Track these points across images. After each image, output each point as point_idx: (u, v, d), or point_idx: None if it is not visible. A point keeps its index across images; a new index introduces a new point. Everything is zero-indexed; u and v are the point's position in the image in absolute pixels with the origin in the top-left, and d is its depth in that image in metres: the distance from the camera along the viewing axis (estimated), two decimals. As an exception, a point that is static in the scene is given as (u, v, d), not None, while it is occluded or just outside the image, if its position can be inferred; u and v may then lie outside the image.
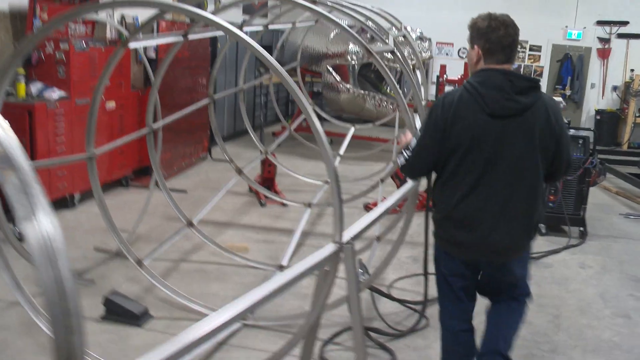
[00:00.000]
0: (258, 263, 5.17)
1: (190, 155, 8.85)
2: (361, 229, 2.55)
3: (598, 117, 13.44)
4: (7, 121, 1.10)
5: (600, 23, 13.43)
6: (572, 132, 6.45)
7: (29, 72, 6.22)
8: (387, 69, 3.28)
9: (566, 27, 13.45)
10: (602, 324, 4.50)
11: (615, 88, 13.70)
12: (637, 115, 13.15)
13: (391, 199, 3.22)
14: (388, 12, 6.93)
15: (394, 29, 6.72)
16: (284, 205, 6.76)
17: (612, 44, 13.52)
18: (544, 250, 5.90)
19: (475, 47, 2.87)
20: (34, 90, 6.09)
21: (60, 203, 6.38)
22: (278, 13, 6.87)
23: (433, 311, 4.46)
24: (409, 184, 3.56)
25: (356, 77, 10.02)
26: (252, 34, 9.50)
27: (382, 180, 6.17)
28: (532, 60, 13.76)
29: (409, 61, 8.97)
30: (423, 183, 3.69)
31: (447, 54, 14.09)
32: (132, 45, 3.74)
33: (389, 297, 4.60)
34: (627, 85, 13.29)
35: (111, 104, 7.02)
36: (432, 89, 11.86)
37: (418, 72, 6.71)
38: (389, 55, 9.53)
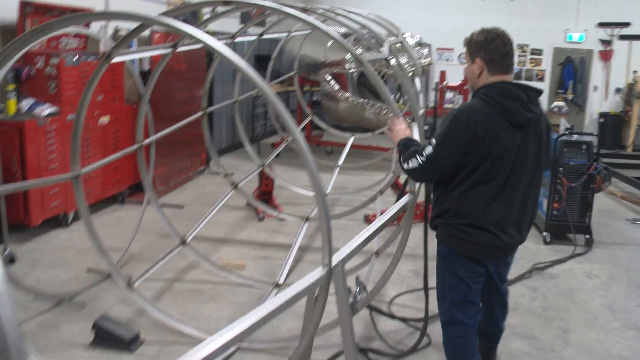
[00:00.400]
0: (254, 281, 5.02)
1: (188, 168, 8.72)
2: (352, 250, 2.41)
3: (601, 120, 13.28)
4: None
5: (601, 25, 13.29)
6: (575, 137, 6.30)
7: (19, 88, 6.11)
8: (379, 78, 3.14)
9: (567, 29, 13.30)
10: (611, 337, 4.33)
11: (618, 90, 13.54)
12: (642, 117, 13.00)
13: (386, 214, 3.09)
14: (385, 18, 6.79)
15: (391, 36, 6.60)
16: (282, 219, 6.61)
17: (614, 46, 13.37)
18: (549, 260, 5.74)
19: (477, 60, 3.06)
20: (24, 106, 5.97)
21: (54, 222, 6.24)
22: (274, 21, 6.77)
23: (435, 328, 4.31)
24: (406, 197, 3.42)
25: (355, 85, 9.90)
26: (248, 44, 9.45)
27: (381, 192, 6.02)
28: (534, 64, 13.60)
29: (408, 68, 8.86)
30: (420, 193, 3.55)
31: (447, 60, 13.95)
32: (117, 59, 3.61)
33: (388, 315, 4.44)
34: (630, 87, 13.13)
35: (104, 119, 6.90)
36: (433, 96, 11.74)
37: (417, 80, 6.59)
38: (393, 63, 9.46)
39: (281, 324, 4.25)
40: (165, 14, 3.52)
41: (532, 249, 6.05)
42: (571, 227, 6.13)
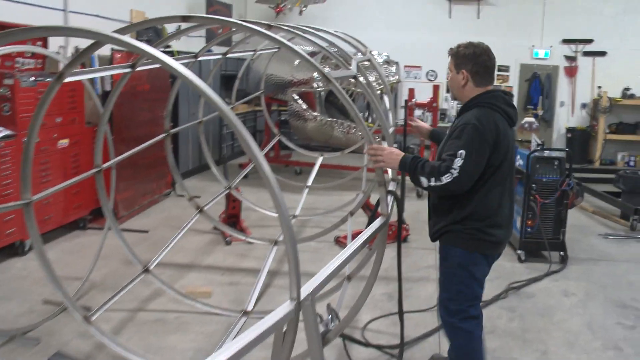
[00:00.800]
0: (221, 309, 4.79)
1: (153, 191, 8.45)
2: (321, 280, 2.23)
3: (569, 135, 13.38)
4: None
5: (565, 41, 13.43)
6: (546, 153, 6.23)
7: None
8: (346, 96, 2.99)
9: (533, 46, 13.42)
10: (592, 358, 4.20)
11: (584, 105, 13.67)
12: (607, 132, 13.11)
13: (357, 240, 2.91)
14: (353, 36, 6.67)
15: (359, 53, 6.48)
16: (249, 242, 6.39)
17: (578, 62, 13.52)
18: (524, 279, 5.63)
19: (463, 71, 3.29)
20: (-24, 130, 5.70)
21: (9, 250, 5.93)
22: (239, 40, 6.60)
23: (410, 355, 4.15)
24: (378, 220, 3.26)
25: (323, 104, 9.76)
26: (215, 63, 9.26)
27: (352, 213, 5.85)
28: (501, 81, 13.66)
29: (377, 86, 8.76)
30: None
31: (415, 77, 13.93)
32: (70, 78, 3.39)
33: (362, 343, 4.25)
34: (596, 102, 13.27)
35: (64, 142, 6.63)
36: (402, 114, 11.66)
37: (386, 97, 6.47)
38: (362, 80, 9.34)
39: (249, 356, 4.02)
40: (121, 30, 3.32)
41: (507, 268, 5.93)
42: (546, 244, 6.03)
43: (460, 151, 3.05)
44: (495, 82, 13.65)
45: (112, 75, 7.17)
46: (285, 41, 3.09)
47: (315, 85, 9.52)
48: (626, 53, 13.08)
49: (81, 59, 3.18)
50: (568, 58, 13.53)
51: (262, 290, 5.13)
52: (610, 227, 7.75)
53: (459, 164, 3.03)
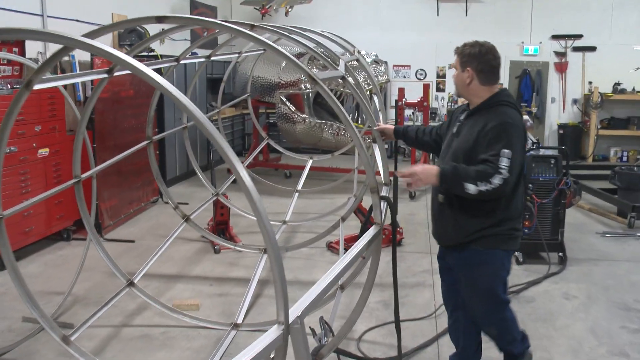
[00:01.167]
0: (210, 322, 4.59)
1: (140, 199, 8.23)
2: (312, 301, 2.03)
3: (561, 132, 13.25)
4: None
5: (555, 37, 13.31)
6: (542, 151, 6.07)
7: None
8: (334, 97, 2.80)
9: (522, 42, 13.27)
10: (598, 365, 4.04)
11: (575, 101, 13.55)
12: (599, 127, 13.00)
13: (349, 253, 2.72)
14: (340, 36, 6.49)
15: (347, 53, 6.29)
16: (239, 250, 6.18)
17: (568, 58, 13.39)
18: (524, 282, 5.45)
19: (468, 69, 3.30)
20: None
21: (-12, 265, 5.71)
22: (224, 42, 6.39)
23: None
24: (372, 229, 3.06)
25: (311, 106, 9.57)
26: (199, 66, 9.02)
27: (343, 219, 5.66)
28: (491, 78, 13.51)
29: (366, 86, 8.58)
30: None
31: (404, 77, 13.78)
32: (39, 86, 3.18)
33: (358, 357, 4.05)
34: (587, 97, 13.15)
35: (44, 151, 6.40)
36: (392, 113, 11.49)
37: (375, 98, 6.28)
38: (351, 81, 9.15)
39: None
40: (92, 34, 3.11)
41: (504, 270, 5.75)
42: (544, 245, 5.86)
43: (505, 150, 3.04)
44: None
45: (93, 82, 6.95)
46: (269, 42, 2.90)
47: (303, 87, 9.32)
48: (616, 48, 12.97)
49: (49, 65, 2.97)
50: (558, 54, 13.41)
51: (252, 300, 4.94)
52: (608, 225, 7.60)
53: (506, 164, 3.02)
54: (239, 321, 4.49)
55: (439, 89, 13.80)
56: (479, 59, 3.28)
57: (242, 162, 6.46)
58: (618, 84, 12.98)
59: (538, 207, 5.82)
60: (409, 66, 13.80)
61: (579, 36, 13.22)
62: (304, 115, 9.40)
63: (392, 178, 7.06)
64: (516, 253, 6.01)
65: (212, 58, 6.00)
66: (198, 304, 4.96)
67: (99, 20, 8.32)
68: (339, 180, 8.14)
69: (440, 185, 3.16)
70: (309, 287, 2.27)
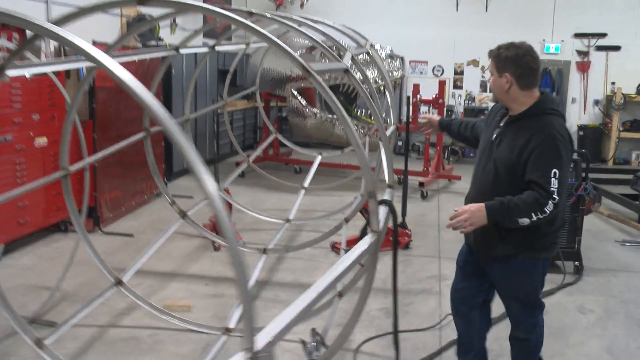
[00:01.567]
0: (200, 326, 4.35)
1: (143, 192, 8.01)
2: (285, 325, 1.77)
3: (581, 133, 12.86)
4: None
5: (577, 36, 12.89)
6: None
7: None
8: (329, 90, 2.53)
9: (543, 40, 12.87)
10: (614, 388, 3.74)
11: (596, 102, 13.13)
12: (621, 129, 12.59)
13: (342, 264, 2.46)
14: (353, 29, 6.20)
15: (355, 46, 6.01)
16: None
17: (591, 57, 12.97)
18: (536, 292, 5.15)
19: (506, 75, 3.07)
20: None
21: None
22: (227, 32, 6.15)
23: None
24: (368, 237, 2.79)
25: (323, 100, 9.30)
26: (209, 57, 8.73)
27: (347, 220, 5.39)
28: (510, 77, 13.14)
29: (380, 81, 8.29)
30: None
31: (421, 73, 13.44)
32: (14, 72, 2.95)
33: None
34: (609, 98, 12.73)
35: (42, 141, 6.19)
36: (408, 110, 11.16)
37: (388, 93, 6.00)
38: (358, 75, 8.85)
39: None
40: (63, 20, 2.80)
41: (516, 279, 5.46)
42: (559, 253, 5.54)
43: (554, 170, 2.91)
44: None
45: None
46: (258, 28, 2.64)
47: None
48: (641, 48, 12.55)
49: (21, 52, 2.73)
50: (580, 53, 12.99)
51: (248, 304, 4.69)
52: (628, 233, 7.24)
53: (556, 186, 2.90)
54: (231, 326, 4.25)
55: (456, 86, 13.45)
56: (516, 62, 3.07)
57: (249, 156, 6.23)
58: (642, 85, 12.55)
59: (554, 213, 5.50)
60: (426, 62, 13.45)
61: (603, 35, 12.78)
62: (315, 110, 9.14)
63: (400, 176, 6.79)
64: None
65: (217, 48, 5.77)
66: (190, 305, 4.73)
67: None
68: (349, 177, 7.89)
69: (489, 222, 3.02)
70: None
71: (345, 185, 7.73)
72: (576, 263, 5.68)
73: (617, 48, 12.77)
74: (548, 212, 2.90)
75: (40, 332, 4.05)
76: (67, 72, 6.72)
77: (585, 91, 13.12)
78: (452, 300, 3.61)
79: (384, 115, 9.17)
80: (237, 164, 9.95)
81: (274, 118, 11.39)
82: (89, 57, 1.70)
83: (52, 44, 7.24)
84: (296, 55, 2.62)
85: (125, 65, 4.01)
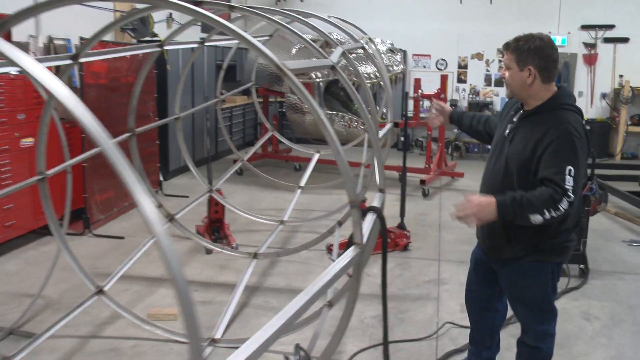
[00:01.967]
0: (185, 336, 4.14)
1: (137, 192, 7.80)
2: (258, 346, 1.56)
3: (588, 128, 12.48)
4: None
5: (584, 27, 12.62)
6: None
7: None
8: (304, 90, 2.31)
9: (549, 33, 12.54)
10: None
11: (604, 96, 12.87)
12: (629, 123, 12.32)
13: (321, 280, 2.24)
14: (353, 23, 5.99)
15: (350, 40, 5.79)
16: (232, 247, 5.74)
17: (598, 49, 12.70)
18: (539, 298, 4.92)
19: (530, 67, 2.89)
20: None
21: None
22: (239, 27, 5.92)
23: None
24: (351, 251, 2.57)
25: (322, 95, 9.07)
26: (208, 52, 8.52)
27: (340, 224, 5.17)
28: (515, 70, 12.88)
29: (376, 76, 8.05)
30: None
31: (424, 67, 13.19)
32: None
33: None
34: (617, 92, 12.45)
35: (28, 141, 6.01)
36: (410, 105, 10.93)
37: (387, 88, 5.76)
38: (371, 71, 8.60)
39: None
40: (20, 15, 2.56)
41: (519, 282, 5.23)
42: (563, 256, 5.31)
43: (569, 167, 2.73)
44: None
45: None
46: (222, 20, 2.41)
47: (313, 75, 8.83)
48: (650, 39, 12.25)
49: None
50: (587, 45, 12.72)
51: (236, 310, 4.52)
52: (636, 232, 6.99)
53: (571, 184, 2.73)
54: (218, 336, 4.06)
55: (460, 80, 13.20)
56: (540, 54, 2.88)
57: (247, 153, 5.98)
58: (651, 78, 12.26)
59: (558, 214, 5.27)
60: (429, 56, 13.21)
61: (611, 26, 12.51)
62: (313, 106, 8.91)
63: (399, 173, 6.56)
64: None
65: (214, 43, 5.55)
66: (176, 313, 4.53)
67: (97, 2, 7.90)
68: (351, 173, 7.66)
69: (499, 217, 2.81)
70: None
71: (343, 183, 7.49)
72: (581, 266, 5.44)
73: (625, 40, 12.50)
74: (562, 210, 2.72)
75: (17, 344, 3.90)
76: (57, 69, 6.53)
77: (592, 84, 12.86)
78: (465, 298, 3.55)
79: (384, 111, 8.95)
80: (236, 162, 9.76)
81: (273, 114, 11.17)
82: (10, 61, 1.49)
83: (41, 41, 7.06)
84: (270, 53, 2.39)
85: (116, 61, 3.80)
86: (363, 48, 5.11)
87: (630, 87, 12.06)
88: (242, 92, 8.79)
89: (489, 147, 3.33)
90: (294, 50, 9.00)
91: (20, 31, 6.54)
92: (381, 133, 4.03)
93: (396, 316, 4.54)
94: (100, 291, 4.19)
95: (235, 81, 11.00)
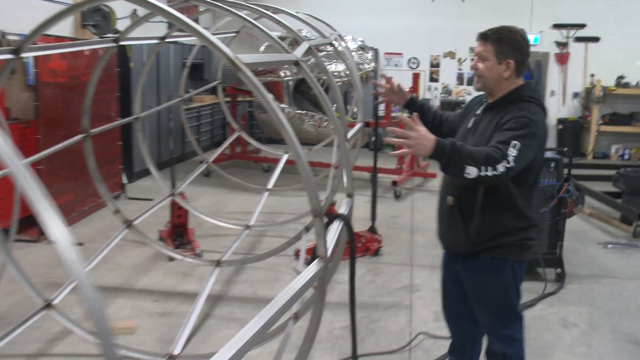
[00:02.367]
0: (141, 353, 3.87)
1: (97, 195, 7.45)
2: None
3: (560, 127, 12.55)
4: None
5: (556, 26, 12.56)
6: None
7: None
8: (261, 86, 2.07)
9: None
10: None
11: (576, 95, 12.83)
12: (601, 123, 12.30)
13: (281, 299, 2.00)
14: (323, 20, 5.75)
15: (319, 37, 5.56)
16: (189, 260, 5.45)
17: (570, 48, 12.66)
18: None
19: (510, 61, 2.83)
20: None
21: None
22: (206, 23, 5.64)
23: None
24: (315, 265, 2.33)
25: (291, 94, 8.83)
26: (175, 49, 8.23)
27: (307, 229, 4.92)
28: (487, 69, 12.78)
29: (345, 75, 7.84)
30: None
31: (396, 65, 13.01)
32: None
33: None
34: (588, 91, 12.43)
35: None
36: (380, 106, 10.72)
37: (358, 88, 5.54)
38: (341, 69, 8.37)
39: None
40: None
41: (494, 288, 5.04)
42: (540, 260, 5.14)
43: (515, 142, 2.63)
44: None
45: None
46: (176, 13, 2.16)
47: (282, 74, 8.58)
48: (621, 39, 12.22)
49: None
50: (559, 44, 12.67)
51: (198, 322, 4.24)
52: (610, 234, 6.88)
53: (514, 154, 2.61)
54: (176, 352, 3.78)
55: (432, 79, 13.05)
56: (520, 49, 2.84)
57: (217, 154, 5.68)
58: (622, 77, 12.25)
59: (534, 217, 5.10)
60: (402, 54, 13.03)
61: (582, 25, 12.47)
62: (283, 105, 8.67)
63: (370, 173, 6.32)
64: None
65: (178, 40, 5.27)
66: (134, 327, 4.24)
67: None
68: (319, 176, 7.44)
69: (432, 158, 2.61)
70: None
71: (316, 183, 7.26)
72: (558, 270, 5.28)
73: (596, 39, 12.49)
74: (499, 171, 2.58)
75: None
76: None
77: (564, 84, 12.82)
78: (442, 305, 3.40)
79: (355, 110, 8.73)
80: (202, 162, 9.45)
81: (242, 114, 10.90)
82: None
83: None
84: (224, 47, 2.14)
85: (76, 59, 3.49)
86: (331, 44, 4.88)
87: (602, 86, 12.04)
88: (209, 91, 8.49)
89: None
90: (262, 48, 8.73)
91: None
92: (351, 133, 3.82)
93: (367, 326, 4.32)
94: (48, 305, 3.89)
95: (203, 80, 10.68)
